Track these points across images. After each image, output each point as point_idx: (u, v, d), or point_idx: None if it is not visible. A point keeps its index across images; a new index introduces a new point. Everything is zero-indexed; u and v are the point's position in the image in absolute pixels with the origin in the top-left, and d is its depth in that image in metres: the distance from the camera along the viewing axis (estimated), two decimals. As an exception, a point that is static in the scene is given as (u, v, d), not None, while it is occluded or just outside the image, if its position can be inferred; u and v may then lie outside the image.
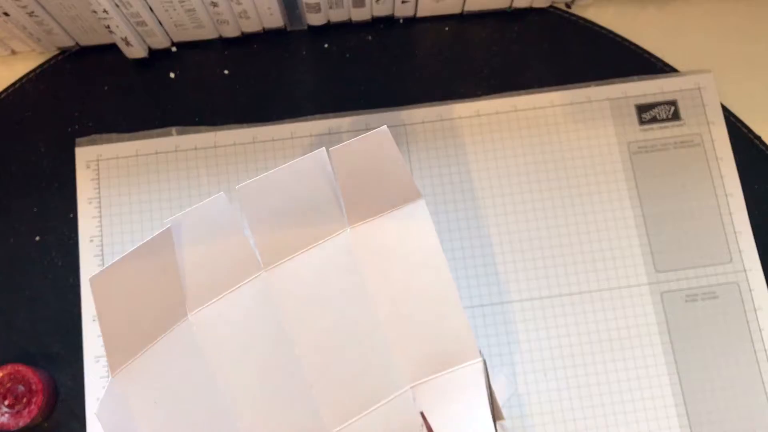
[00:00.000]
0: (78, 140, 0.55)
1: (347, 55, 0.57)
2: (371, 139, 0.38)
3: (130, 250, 0.37)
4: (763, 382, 0.51)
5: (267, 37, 0.57)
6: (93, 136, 0.55)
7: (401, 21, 0.58)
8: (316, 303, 0.39)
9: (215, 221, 0.38)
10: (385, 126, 0.38)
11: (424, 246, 0.39)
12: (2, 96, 0.56)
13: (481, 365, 0.37)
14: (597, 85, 0.56)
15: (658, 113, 0.56)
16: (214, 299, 0.39)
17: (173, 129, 0.55)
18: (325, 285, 0.39)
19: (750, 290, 0.53)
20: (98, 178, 0.54)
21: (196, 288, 0.39)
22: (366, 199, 0.39)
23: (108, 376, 0.50)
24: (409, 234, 0.39)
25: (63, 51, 0.57)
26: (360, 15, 0.56)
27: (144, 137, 0.55)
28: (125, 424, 0.38)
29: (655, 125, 0.55)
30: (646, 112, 0.56)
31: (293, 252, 0.39)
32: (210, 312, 0.39)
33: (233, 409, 0.39)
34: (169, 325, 0.38)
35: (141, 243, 0.37)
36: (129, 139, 0.55)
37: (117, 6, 0.49)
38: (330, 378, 0.39)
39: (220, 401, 0.39)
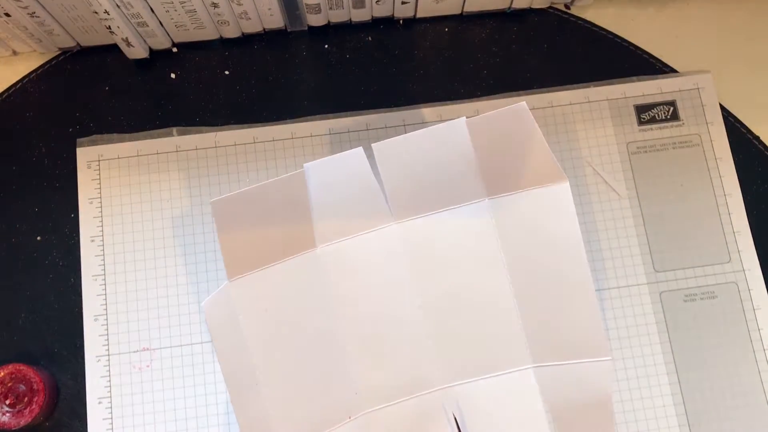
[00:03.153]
0: (79, 140, 0.55)
1: (347, 56, 0.57)
2: (509, 114, 0.38)
3: (260, 183, 0.40)
4: (762, 382, 0.51)
5: (267, 37, 0.57)
6: (94, 136, 0.55)
7: (401, 22, 0.58)
8: (447, 262, 0.40)
9: (350, 171, 0.40)
10: (524, 102, 0.38)
11: (564, 231, 0.38)
12: (4, 96, 0.56)
13: (610, 364, 0.37)
14: (596, 85, 0.56)
15: (657, 113, 0.56)
16: (344, 238, 0.41)
17: (174, 129, 0.55)
18: (459, 247, 0.40)
19: (749, 290, 0.53)
20: (99, 178, 0.54)
21: (326, 226, 0.41)
22: (505, 172, 0.39)
23: (108, 376, 0.51)
24: (550, 216, 0.38)
25: (64, 51, 0.57)
26: (360, 16, 0.56)
27: (145, 137, 0.55)
28: (229, 320, 0.40)
29: (654, 125, 0.56)
30: (645, 113, 0.56)
31: (427, 210, 0.40)
32: (339, 248, 0.41)
33: (342, 339, 0.40)
34: (295, 251, 0.41)
35: (273, 179, 0.40)
36: (130, 139, 0.55)
37: (118, 7, 0.50)
38: (449, 335, 0.40)
39: (331, 329, 0.40)
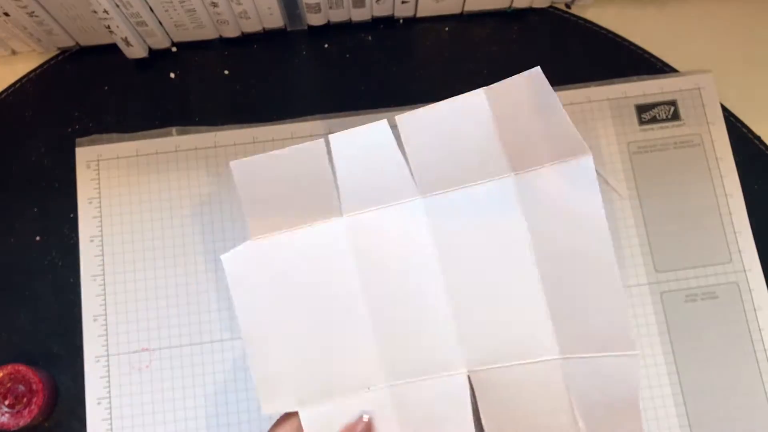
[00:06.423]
0: (78, 140, 0.55)
1: (347, 56, 0.57)
2: (525, 80, 0.37)
3: (280, 150, 0.40)
4: (762, 382, 0.51)
5: (267, 37, 0.57)
6: (93, 136, 0.55)
7: (401, 21, 0.58)
8: (473, 241, 0.39)
9: (375, 144, 0.40)
10: (538, 67, 0.36)
11: (588, 209, 0.36)
12: (3, 96, 0.56)
13: (637, 359, 0.35)
14: (597, 85, 0.56)
15: (658, 113, 0.56)
16: (370, 209, 0.40)
17: (173, 129, 0.55)
18: (485, 226, 0.39)
19: (750, 290, 0.53)
20: (98, 178, 0.54)
21: (352, 196, 0.40)
22: (527, 145, 0.38)
23: (107, 376, 0.51)
24: (574, 192, 0.37)
25: (63, 51, 0.57)
26: (360, 15, 0.56)
27: (144, 137, 0.55)
28: (249, 276, 0.40)
29: (654, 125, 0.55)
30: (645, 112, 0.56)
31: (452, 186, 0.40)
32: (365, 219, 0.40)
33: (363, 310, 0.40)
34: (320, 217, 0.41)
35: (293, 146, 0.40)
36: (129, 139, 0.55)
37: (117, 6, 0.50)
38: (474, 319, 0.39)
39: (353, 298, 0.40)
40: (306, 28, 0.57)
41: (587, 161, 0.36)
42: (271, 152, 0.40)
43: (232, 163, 0.40)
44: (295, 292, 0.41)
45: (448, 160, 0.39)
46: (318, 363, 0.40)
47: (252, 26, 0.56)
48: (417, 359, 0.40)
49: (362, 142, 0.40)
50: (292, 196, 0.40)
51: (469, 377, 0.39)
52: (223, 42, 0.57)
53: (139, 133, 0.55)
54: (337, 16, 0.56)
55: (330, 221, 0.40)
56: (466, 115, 0.39)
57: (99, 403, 0.50)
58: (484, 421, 0.39)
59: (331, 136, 0.40)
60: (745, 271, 0.53)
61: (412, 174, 0.40)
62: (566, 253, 0.37)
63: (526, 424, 0.39)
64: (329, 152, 0.40)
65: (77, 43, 0.56)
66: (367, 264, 0.40)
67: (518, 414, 0.39)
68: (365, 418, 0.39)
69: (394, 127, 0.40)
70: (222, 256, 0.41)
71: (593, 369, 0.37)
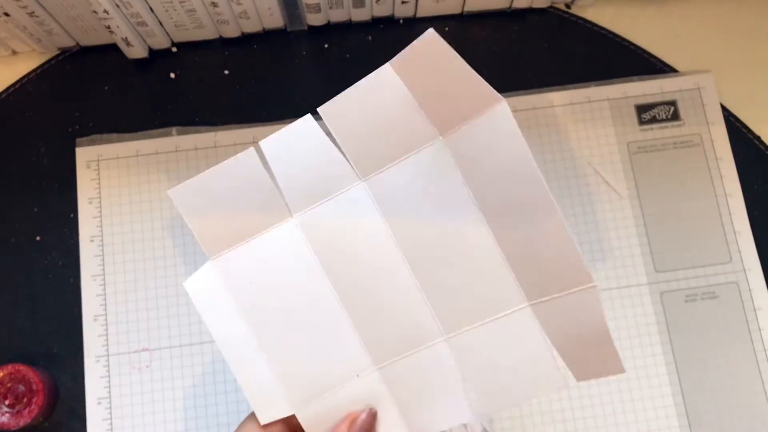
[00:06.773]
0: (78, 140, 0.55)
1: (347, 56, 0.57)
2: (424, 45, 0.37)
3: (213, 167, 0.40)
4: (762, 382, 0.51)
5: (267, 37, 0.57)
6: (93, 136, 0.55)
7: (401, 21, 0.58)
8: (420, 213, 0.40)
9: (305, 140, 0.41)
10: (431, 30, 0.37)
11: (516, 155, 0.37)
12: (3, 96, 0.56)
13: (596, 291, 0.36)
14: (597, 85, 0.56)
15: (658, 113, 0.56)
16: (317, 204, 0.41)
17: (173, 129, 0.55)
18: (428, 195, 0.40)
19: (749, 290, 0.53)
20: (98, 178, 0.54)
21: (296, 195, 0.41)
22: (445, 106, 0.38)
23: (107, 376, 0.51)
24: (499, 142, 0.37)
25: (63, 51, 0.57)
26: (360, 15, 0.56)
27: (144, 137, 0.55)
28: (216, 295, 0.41)
29: (654, 125, 0.55)
30: (645, 112, 0.56)
31: (387, 163, 0.40)
32: (314, 214, 0.41)
33: (335, 301, 0.41)
34: (272, 222, 0.41)
35: (225, 161, 0.40)
36: (129, 139, 0.55)
37: (117, 6, 0.50)
38: (439, 284, 0.40)
39: (322, 292, 0.41)
40: (306, 28, 0.57)
41: (502, 108, 0.37)
42: (206, 171, 0.40)
43: (170, 192, 0.40)
44: (264, 301, 0.41)
45: (378, 139, 0.40)
46: (303, 363, 0.41)
47: (252, 26, 0.56)
48: (397, 337, 0.41)
49: (292, 141, 0.41)
50: (238, 208, 0.41)
51: (449, 343, 0.40)
52: (223, 42, 0.57)
53: (139, 133, 0.55)
54: (337, 16, 0.56)
55: (282, 224, 0.41)
56: (383, 90, 0.39)
57: (99, 403, 0.50)
58: (465, 386, 0.40)
59: (261, 142, 0.40)
60: (745, 271, 0.53)
61: (348, 160, 0.40)
62: (508, 203, 0.38)
63: (507, 379, 0.39)
64: (263, 158, 0.41)
65: (77, 43, 0.56)
66: (328, 256, 0.41)
67: (499, 371, 0.39)
68: (369, 409, 0.40)
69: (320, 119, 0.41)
70: (184, 283, 0.41)
71: (560, 308, 0.37)
